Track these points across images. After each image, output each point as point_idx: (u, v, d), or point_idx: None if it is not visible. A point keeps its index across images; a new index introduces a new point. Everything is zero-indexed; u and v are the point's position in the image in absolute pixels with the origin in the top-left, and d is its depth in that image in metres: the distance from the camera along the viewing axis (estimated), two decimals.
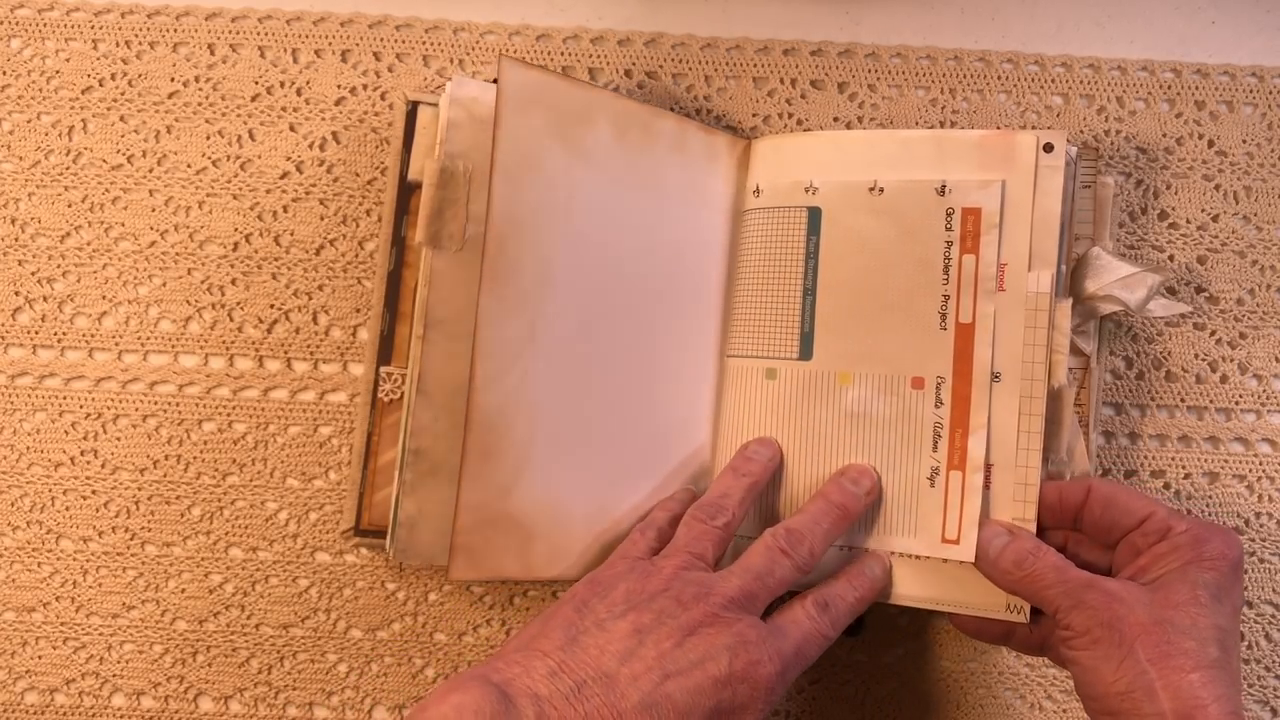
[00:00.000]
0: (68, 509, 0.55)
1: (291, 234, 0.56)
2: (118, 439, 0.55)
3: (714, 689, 0.41)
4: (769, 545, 0.46)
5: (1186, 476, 0.55)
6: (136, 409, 0.55)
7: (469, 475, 0.47)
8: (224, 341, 0.55)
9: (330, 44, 0.56)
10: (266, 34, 0.56)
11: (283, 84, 0.56)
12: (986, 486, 0.49)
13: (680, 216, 0.53)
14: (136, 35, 0.56)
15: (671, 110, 0.56)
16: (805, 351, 0.51)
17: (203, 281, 0.55)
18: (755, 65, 0.57)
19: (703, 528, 0.47)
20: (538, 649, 0.42)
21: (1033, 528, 0.48)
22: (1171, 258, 0.56)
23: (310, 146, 0.56)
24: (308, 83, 0.56)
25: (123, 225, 0.56)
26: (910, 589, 0.50)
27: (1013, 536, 0.47)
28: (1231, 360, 0.55)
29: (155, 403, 0.55)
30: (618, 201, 0.51)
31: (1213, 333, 0.56)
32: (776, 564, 0.46)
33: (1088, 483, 0.48)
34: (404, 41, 0.56)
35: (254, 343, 0.55)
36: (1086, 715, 0.44)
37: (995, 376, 0.49)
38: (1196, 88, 0.56)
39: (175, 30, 0.56)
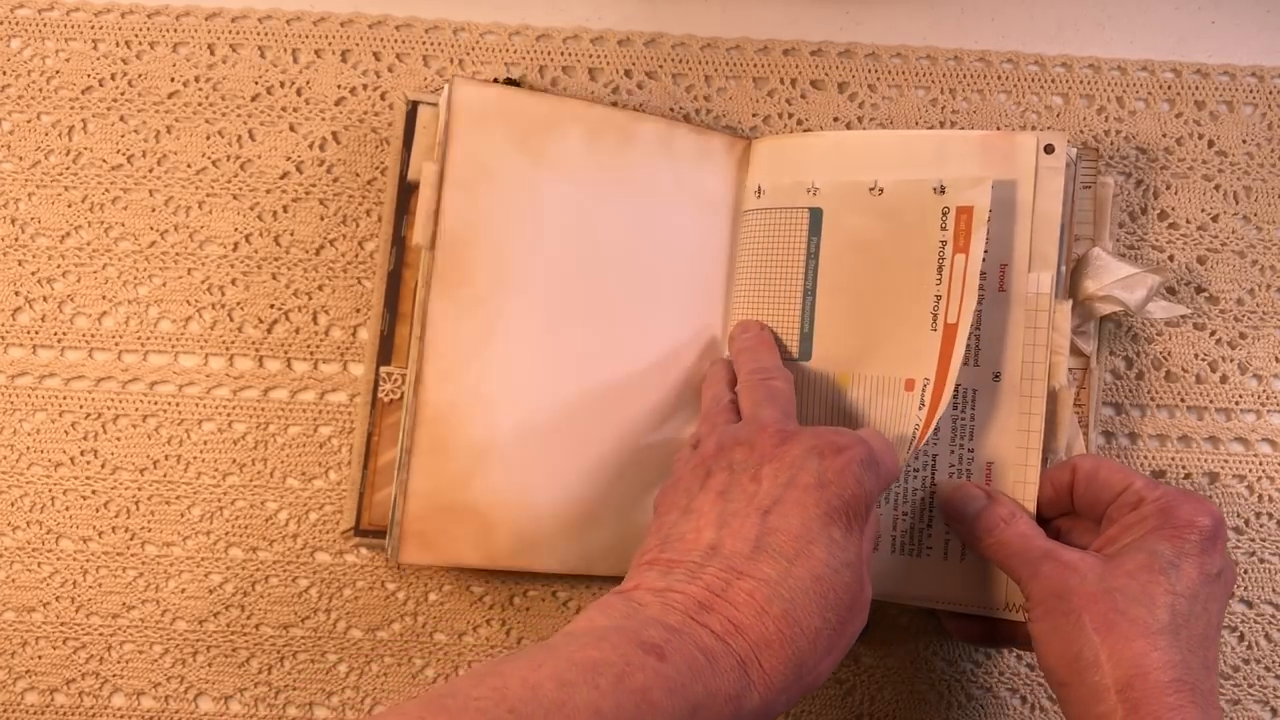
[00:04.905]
0: (68, 509, 0.55)
1: (291, 234, 0.56)
2: (118, 439, 0.55)
3: (815, 496, 0.41)
4: (752, 383, 0.48)
5: (1186, 476, 0.55)
6: (136, 409, 0.55)
7: (418, 467, 0.49)
8: (224, 341, 0.55)
9: (330, 44, 0.56)
10: (266, 34, 0.56)
11: (283, 84, 0.56)
12: (987, 484, 0.49)
13: (670, 217, 0.53)
14: (136, 35, 0.56)
15: (670, 110, 0.56)
16: (805, 352, 0.51)
17: (203, 281, 0.55)
18: (755, 65, 0.57)
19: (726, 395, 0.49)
20: (642, 562, 0.42)
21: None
22: (1171, 258, 0.56)
23: (310, 146, 0.56)
24: (308, 83, 0.56)
25: (123, 225, 0.56)
26: (911, 588, 0.50)
27: (990, 500, 0.47)
28: (1231, 360, 0.55)
29: (155, 403, 0.55)
30: (593, 205, 0.52)
31: (1213, 333, 0.56)
32: (771, 387, 0.47)
33: (1072, 461, 0.48)
34: (404, 41, 0.56)
35: (254, 343, 0.55)
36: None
37: (995, 376, 0.49)
38: (1196, 88, 0.56)
39: (175, 30, 0.56)
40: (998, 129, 0.56)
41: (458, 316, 0.50)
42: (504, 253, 0.51)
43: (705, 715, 0.36)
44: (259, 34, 0.56)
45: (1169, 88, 0.56)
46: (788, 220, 0.52)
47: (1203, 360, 0.55)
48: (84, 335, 0.55)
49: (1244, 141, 0.56)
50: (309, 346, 0.55)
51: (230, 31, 0.56)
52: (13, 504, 0.55)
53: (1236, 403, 0.55)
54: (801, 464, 0.42)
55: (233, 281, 0.55)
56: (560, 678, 0.35)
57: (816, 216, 0.51)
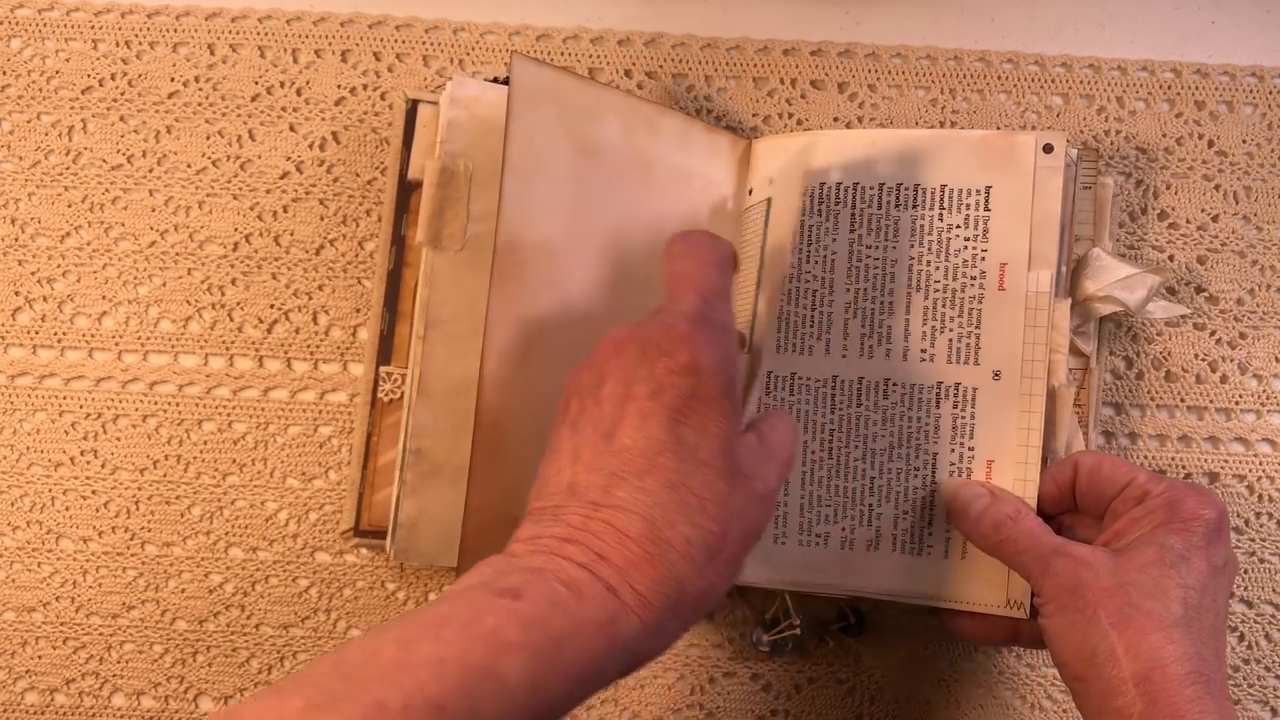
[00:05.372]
0: (68, 509, 0.55)
1: (291, 234, 0.56)
2: (118, 439, 0.55)
3: (654, 405, 0.38)
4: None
5: (1186, 476, 0.55)
6: (136, 409, 0.55)
7: (478, 477, 0.46)
8: (224, 341, 0.55)
9: (330, 44, 0.56)
10: (266, 34, 0.56)
11: (283, 84, 0.56)
12: (988, 482, 0.49)
13: (683, 215, 0.52)
14: (136, 35, 0.56)
15: (676, 109, 0.56)
16: (749, 344, 0.51)
17: (203, 281, 0.55)
18: (755, 65, 0.57)
19: None
20: (525, 515, 0.40)
21: None
22: (1171, 258, 0.56)
23: (310, 146, 0.56)
24: (308, 83, 0.56)
25: (123, 225, 0.56)
26: (912, 587, 0.50)
27: (994, 499, 0.47)
28: (1231, 360, 0.55)
29: (155, 403, 0.55)
30: (622, 200, 0.50)
31: (1213, 333, 0.56)
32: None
33: (1074, 458, 0.48)
34: (404, 41, 0.56)
35: (254, 343, 0.55)
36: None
37: (995, 375, 0.49)
38: (1196, 88, 0.56)
39: (175, 30, 0.56)
40: (998, 129, 0.56)
41: (514, 316, 0.47)
42: (552, 247, 0.48)
43: (574, 646, 0.35)
44: (259, 34, 0.56)
45: (1169, 88, 0.56)
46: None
47: (1203, 360, 0.55)
48: (84, 335, 0.55)
49: (1244, 141, 0.56)
50: (309, 346, 0.55)
51: (230, 31, 0.56)
52: (13, 504, 0.55)
53: (1236, 403, 0.55)
54: (633, 373, 0.39)
55: (233, 281, 0.55)
56: (402, 638, 0.34)
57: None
